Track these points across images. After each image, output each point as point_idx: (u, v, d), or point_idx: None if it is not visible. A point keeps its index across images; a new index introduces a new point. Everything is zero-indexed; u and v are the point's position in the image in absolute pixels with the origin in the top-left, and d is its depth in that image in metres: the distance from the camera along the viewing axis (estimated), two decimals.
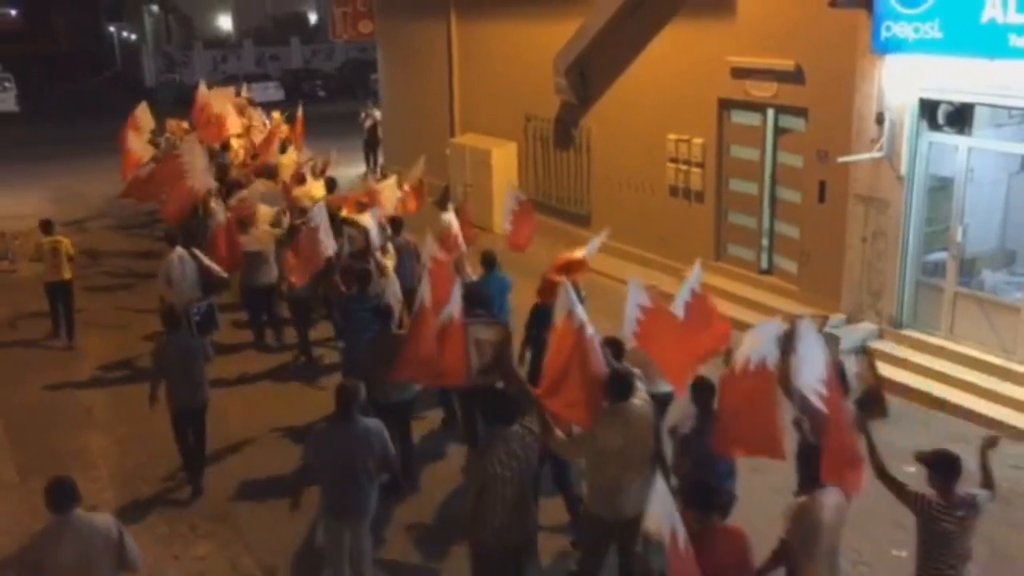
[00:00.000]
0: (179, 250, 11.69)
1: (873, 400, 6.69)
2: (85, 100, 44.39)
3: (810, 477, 5.66)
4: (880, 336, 11.15)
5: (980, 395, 9.83)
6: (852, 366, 6.88)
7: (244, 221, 12.41)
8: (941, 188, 10.83)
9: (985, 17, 9.37)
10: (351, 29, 26.16)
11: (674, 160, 14.06)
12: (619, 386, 6.42)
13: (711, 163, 13.58)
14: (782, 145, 12.74)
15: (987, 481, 5.76)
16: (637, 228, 14.75)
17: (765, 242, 13.19)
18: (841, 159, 11.12)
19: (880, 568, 7.48)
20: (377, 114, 23.40)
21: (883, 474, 5.84)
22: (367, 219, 11.85)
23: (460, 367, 7.65)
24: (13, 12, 73.04)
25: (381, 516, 7.81)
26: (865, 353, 7.43)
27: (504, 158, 17.79)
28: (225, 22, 54.92)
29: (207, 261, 11.74)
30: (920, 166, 10.76)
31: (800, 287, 12.42)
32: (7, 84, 40.63)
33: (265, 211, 13.10)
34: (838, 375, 6.10)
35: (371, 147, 23.42)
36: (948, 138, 10.54)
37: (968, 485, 5.65)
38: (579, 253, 9.58)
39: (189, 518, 8.47)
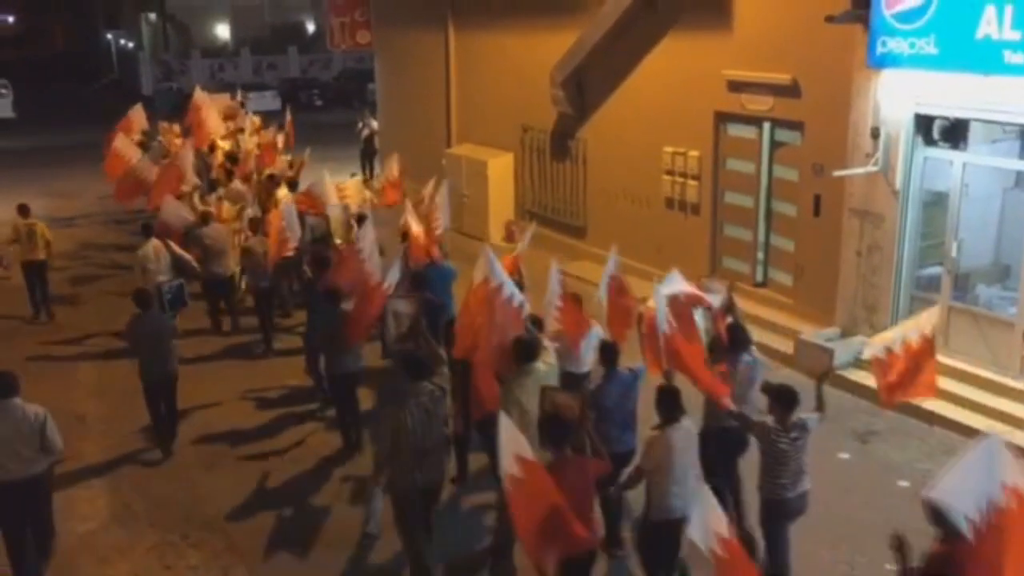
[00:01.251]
0: (154, 241, 12.43)
1: (718, 347, 7.98)
2: (82, 107, 44.26)
3: (665, 416, 6.63)
4: None
5: (973, 409, 9.84)
6: (702, 322, 8.24)
7: (205, 216, 13.33)
8: (936, 203, 10.86)
9: (980, 33, 9.43)
10: (349, 39, 26.24)
11: (670, 172, 14.10)
12: (523, 350, 7.52)
13: (707, 176, 13.61)
14: (778, 158, 12.78)
15: (819, 405, 6.95)
16: (633, 240, 14.72)
17: (760, 255, 13.21)
18: (836, 173, 11.15)
19: None
20: (374, 124, 23.45)
21: (730, 412, 7.10)
22: (335, 212, 13.12)
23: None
24: (11, 18, 73.11)
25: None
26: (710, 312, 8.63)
27: (500, 169, 17.84)
28: (223, 31, 55.04)
29: (180, 252, 12.57)
30: (915, 181, 10.80)
31: (795, 300, 12.43)
32: (3, 90, 40.46)
33: (228, 208, 14.09)
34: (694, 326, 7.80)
35: (367, 157, 23.43)
36: (943, 153, 10.58)
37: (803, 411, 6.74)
38: (515, 251, 10.52)
39: (180, 527, 8.43)
